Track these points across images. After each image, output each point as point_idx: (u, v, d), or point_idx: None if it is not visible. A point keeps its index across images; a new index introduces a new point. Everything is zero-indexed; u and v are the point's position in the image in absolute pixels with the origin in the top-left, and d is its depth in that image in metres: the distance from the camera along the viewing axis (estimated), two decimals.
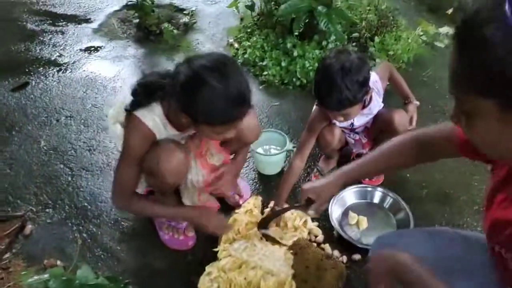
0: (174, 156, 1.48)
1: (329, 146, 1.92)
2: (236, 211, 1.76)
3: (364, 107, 1.80)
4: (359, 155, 2.09)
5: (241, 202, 1.86)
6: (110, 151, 2.21)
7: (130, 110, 1.44)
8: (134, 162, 1.49)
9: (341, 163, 2.05)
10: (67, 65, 3.01)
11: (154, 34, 3.32)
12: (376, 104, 1.84)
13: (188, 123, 1.38)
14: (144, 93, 1.43)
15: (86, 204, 1.95)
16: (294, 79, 2.72)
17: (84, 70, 2.95)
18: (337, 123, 1.85)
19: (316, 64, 2.68)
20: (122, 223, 1.86)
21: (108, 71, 2.94)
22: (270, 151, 2.13)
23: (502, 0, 0.68)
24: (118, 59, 3.08)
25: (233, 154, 1.80)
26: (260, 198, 1.85)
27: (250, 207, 1.78)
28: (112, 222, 1.86)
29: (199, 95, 1.26)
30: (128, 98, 1.46)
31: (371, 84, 1.69)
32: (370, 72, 1.69)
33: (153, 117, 1.45)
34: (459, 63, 0.75)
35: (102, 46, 3.25)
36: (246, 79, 1.35)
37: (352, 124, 1.87)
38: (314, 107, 1.87)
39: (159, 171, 1.47)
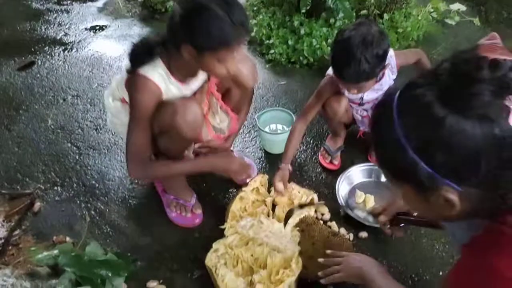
0: (190, 108, 1.47)
1: (336, 116, 1.89)
2: (243, 189, 1.76)
3: (375, 81, 1.77)
4: (366, 134, 2.08)
5: (248, 181, 1.86)
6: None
7: (132, 69, 1.44)
8: (145, 124, 1.48)
9: (348, 141, 2.07)
10: (73, 44, 3.00)
11: (159, 13, 3.29)
12: (388, 80, 1.81)
13: (191, 62, 1.39)
14: (144, 51, 1.44)
15: (94, 182, 1.96)
16: (301, 58, 2.69)
17: (89, 49, 2.94)
18: (346, 94, 1.82)
19: (324, 43, 2.64)
20: (130, 201, 1.87)
21: (114, 50, 2.93)
22: (277, 130, 2.11)
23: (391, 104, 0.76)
24: (123, 38, 3.06)
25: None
26: (266, 176, 1.85)
27: (257, 185, 1.78)
28: (120, 200, 1.87)
29: (201, 18, 1.30)
30: (126, 63, 1.47)
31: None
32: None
33: (157, 71, 1.45)
34: (375, 152, 0.85)
35: (107, 25, 3.22)
36: (242, 6, 1.38)
37: (361, 98, 1.85)
38: (326, 75, 1.85)
39: (176, 125, 1.46)
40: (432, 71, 0.75)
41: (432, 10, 3.00)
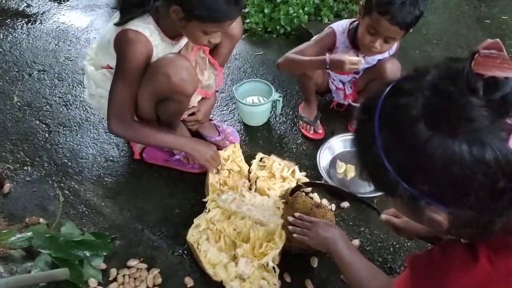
0: (180, 63, 1.44)
1: (314, 73, 1.88)
2: None
3: None
4: (339, 105, 2.08)
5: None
6: (87, 106, 2.11)
7: (122, 23, 1.39)
8: (132, 80, 1.44)
9: (327, 112, 2.04)
10: (36, 16, 2.83)
11: None
12: (380, 57, 1.80)
13: (178, 21, 1.35)
14: (136, 3, 1.39)
15: (66, 160, 1.87)
16: (278, 27, 2.61)
17: (54, 21, 2.78)
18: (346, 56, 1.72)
19: (301, 11, 2.58)
20: (106, 178, 1.80)
21: (80, 21, 2.78)
22: (256, 102, 2.06)
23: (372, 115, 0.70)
24: (90, 8, 2.91)
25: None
26: (238, 145, 1.82)
27: (229, 153, 1.74)
28: (95, 178, 1.80)
29: None
30: (115, 19, 1.42)
31: None
32: None
33: (147, 26, 1.41)
34: (356, 158, 0.79)
35: None
36: None
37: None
38: (328, 28, 1.82)
39: (175, 86, 1.43)
40: (419, 77, 0.68)
41: None
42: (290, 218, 1.46)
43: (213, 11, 1.30)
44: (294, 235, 1.41)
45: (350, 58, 1.65)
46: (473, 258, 0.71)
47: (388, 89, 0.71)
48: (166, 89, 1.45)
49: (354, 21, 1.78)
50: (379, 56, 1.80)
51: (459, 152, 0.61)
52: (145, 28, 1.41)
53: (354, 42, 1.77)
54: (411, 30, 1.65)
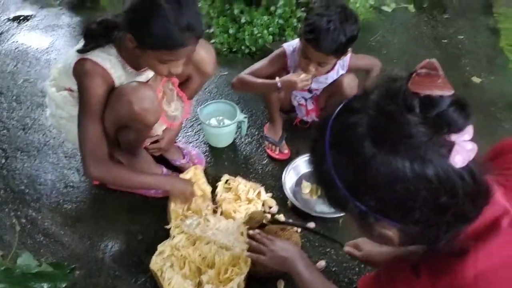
0: (144, 92, 1.40)
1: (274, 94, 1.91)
2: None
3: (326, 72, 1.81)
4: (303, 122, 2.11)
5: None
6: (47, 130, 2.05)
7: (84, 52, 1.36)
8: (98, 115, 1.39)
9: (290, 131, 2.06)
10: None
11: (90, 0, 3.09)
12: (335, 75, 1.85)
13: (133, 49, 1.32)
14: (100, 32, 1.37)
15: (23, 187, 1.80)
16: (242, 47, 2.63)
17: (13, 42, 2.71)
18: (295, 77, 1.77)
19: (265, 31, 2.61)
20: (65, 205, 1.74)
21: (41, 42, 2.71)
22: (221, 123, 2.05)
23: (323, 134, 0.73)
24: (51, 29, 2.85)
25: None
26: (200, 167, 1.80)
27: (190, 176, 1.72)
28: (54, 205, 1.73)
29: (146, 12, 1.23)
30: (79, 44, 1.39)
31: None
32: None
33: (108, 58, 1.37)
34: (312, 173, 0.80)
35: (32, 14, 2.99)
36: (198, 9, 1.32)
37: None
38: (281, 47, 1.85)
39: (136, 114, 1.39)
40: (365, 96, 0.70)
41: None
42: (251, 232, 1.45)
43: (164, 39, 1.26)
44: (247, 254, 1.39)
45: (299, 77, 1.69)
46: (416, 275, 0.72)
47: (338, 108, 0.73)
48: (127, 117, 1.41)
49: None
50: (334, 75, 1.84)
51: (402, 168, 0.63)
52: (106, 59, 1.38)
53: None
54: (349, 51, 1.72)
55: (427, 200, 0.64)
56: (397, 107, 0.64)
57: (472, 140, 0.65)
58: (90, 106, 1.38)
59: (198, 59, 1.60)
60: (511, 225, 0.69)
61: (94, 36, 1.38)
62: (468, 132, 0.64)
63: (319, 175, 0.76)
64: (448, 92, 0.63)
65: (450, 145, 0.63)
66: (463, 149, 0.63)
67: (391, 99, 0.65)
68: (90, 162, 1.43)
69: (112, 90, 1.42)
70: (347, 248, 1.40)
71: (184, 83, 1.68)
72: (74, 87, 1.43)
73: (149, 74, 1.53)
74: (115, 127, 1.49)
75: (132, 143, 1.60)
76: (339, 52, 1.64)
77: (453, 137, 0.63)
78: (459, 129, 0.63)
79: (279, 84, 1.73)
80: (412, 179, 0.63)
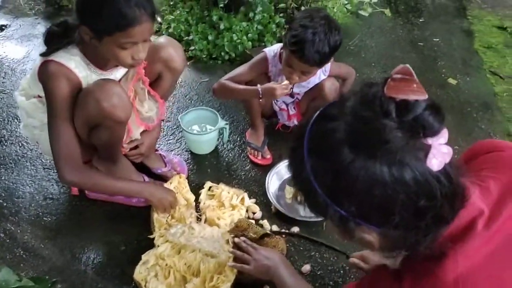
0: (111, 88, 1.37)
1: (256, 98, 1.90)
2: None
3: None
4: (285, 127, 2.13)
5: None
6: (24, 141, 2.00)
7: (46, 54, 1.34)
8: (67, 116, 1.37)
9: (272, 136, 2.06)
10: None
11: (66, 9, 3.05)
12: (317, 79, 1.87)
13: (90, 42, 1.30)
14: (60, 34, 1.35)
15: (1, 201, 1.75)
16: (222, 53, 2.63)
17: None
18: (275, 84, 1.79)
19: (244, 37, 2.61)
20: (44, 218, 1.70)
21: (16, 52, 2.66)
22: (203, 129, 2.04)
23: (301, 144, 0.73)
24: (26, 39, 2.79)
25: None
26: (184, 176, 1.78)
27: (175, 185, 1.70)
28: (33, 218, 1.69)
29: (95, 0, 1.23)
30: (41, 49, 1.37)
31: None
32: None
33: (72, 58, 1.35)
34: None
35: (7, 24, 2.93)
36: None
37: (291, 88, 1.88)
38: (262, 52, 1.86)
39: (105, 111, 1.36)
40: (342, 103, 0.71)
41: (346, 2, 3.07)
42: (236, 240, 1.45)
43: (116, 19, 1.24)
44: (231, 264, 1.39)
45: (279, 85, 1.72)
46: (397, 281, 0.73)
47: (315, 115, 0.74)
48: (96, 115, 1.38)
49: None
50: (316, 80, 1.86)
51: (380, 173, 0.64)
52: (69, 59, 1.36)
53: None
54: (331, 60, 1.77)
55: (406, 203, 0.64)
56: (373, 113, 0.65)
57: (448, 143, 0.66)
58: (58, 107, 1.36)
59: (166, 57, 1.60)
60: (486, 226, 0.71)
61: (55, 39, 1.37)
62: (443, 135, 0.65)
63: (299, 182, 0.76)
64: (422, 96, 0.64)
65: (427, 149, 0.64)
66: (439, 153, 0.64)
67: (367, 104, 0.66)
68: (63, 166, 1.40)
69: (79, 92, 1.40)
70: (353, 260, 1.41)
71: (155, 83, 1.66)
72: (42, 93, 1.41)
73: (116, 74, 1.51)
74: (86, 129, 1.45)
75: (108, 146, 1.56)
76: (323, 63, 1.68)
77: (429, 141, 0.64)
78: (434, 132, 0.64)
79: (259, 90, 1.74)
80: (390, 183, 0.64)
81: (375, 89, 0.66)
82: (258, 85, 1.76)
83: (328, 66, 1.87)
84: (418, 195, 0.64)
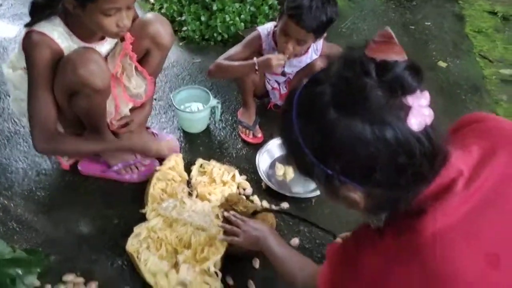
0: (89, 55, 1.37)
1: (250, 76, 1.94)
2: (157, 168, 1.70)
3: (296, 55, 1.86)
4: (276, 107, 2.15)
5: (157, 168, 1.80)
6: (16, 118, 2.01)
7: (29, 25, 1.35)
8: (46, 84, 1.37)
9: (263, 115, 2.09)
10: None
11: None
12: (308, 59, 1.90)
13: (74, 11, 1.30)
14: (44, 4, 1.34)
15: None
16: (215, 34, 2.63)
17: None
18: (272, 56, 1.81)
19: (237, 18, 2.62)
20: (38, 193, 1.72)
21: (8, 31, 2.64)
22: (195, 108, 2.06)
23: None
24: (18, 17, 2.76)
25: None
26: (181, 155, 1.80)
27: (172, 164, 1.72)
28: (26, 193, 1.71)
29: None
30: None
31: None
32: None
33: (54, 28, 1.35)
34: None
35: None
36: None
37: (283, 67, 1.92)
38: (256, 30, 1.89)
39: (81, 78, 1.35)
40: (329, 67, 0.74)
41: None
42: (226, 214, 1.49)
43: None
44: (220, 237, 1.43)
45: (275, 56, 1.75)
46: (379, 237, 0.77)
47: (306, 80, 0.78)
48: (73, 82, 1.38)
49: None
50: (307, 59, 1.89)
51: (363, 131, 0.67)
52: (52, 30, 1.37)
53: None
54: (324, 35, 1.79)
55: (387, 161, 0.68)
56: (354, 73, 0.68)
57: (430, 107, 0.68)
58: (38, 76, 1.36)
59: (153, 32, 1.61)
60: (466, 187, 0.74)
61: (39, 10, 1.37)
62: (425, 97, 0.68)
63: (288, 144, 0.79)
64: (402, 57, 0.67)
65: (407, 109, 0.67)
66: (419, 113, 0.67)
67: (350, 66, 0.69)
68: (38, 138, 1.41)
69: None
70: (339, 240, 1.45)
71: (143, 59, 1.67)
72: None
73: (101, 48, 1.51)
74: (66, 97, 1.45)
75: (90, 117, 1.55)
76: (319, 31, 1.70)
77: (410, 101, 0.67)
78: (413, 91, 0.67)
79: (256, 63, 1.77)
80: (372, 141, 0.67)
81: (357, 52, 0.69)
82: (255, 58, 1.78)
83: (319, 46, 1.89)
84: (399, 153, 0.67)
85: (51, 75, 1.38)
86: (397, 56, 0.67)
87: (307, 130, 0.74)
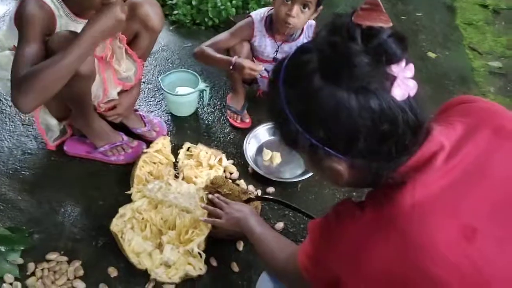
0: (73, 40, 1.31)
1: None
2: (145, 150, 1.70)
3: (288, 41, 1.87)
4: (265, 93, 2.14)
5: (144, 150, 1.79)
6: (3, 98, 1.99)
7: None
8: (36, 37, 1.32)
9: (252, 101, 2.09)
10: None
11: None
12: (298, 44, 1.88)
13: None
14: None
15: None
16: (206, 19, 2.61)
17: None
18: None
19: (228, 3, 2.60)
20: (23, 172, 1.71)
21: None
22: (183, 92, 2.05)
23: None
24: None
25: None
26: (168, 138, 1.80)
27: (159, 147, 1.72)
28: (11, 172, 1.71)
29: None
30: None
31: (306, 27, 1.84)
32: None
33: None
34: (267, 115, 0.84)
35: None
36: None
37: (275, 57, 1.93)
38: (247, 17, 1.89)
39: None
40: (316, 36, 0.75)
41: None
42: (202, 205, 1.49)
43: None
44: (203, 219, 1.45)
45: (251, 65, 1.75)
46: (360, 209, 0.77)
47: (295, 50, 0.78)
48: None
49: (271, 9, 1.84)
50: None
51: (347, 99, 0.67)
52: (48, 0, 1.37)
53: (271, 30, 1.85)
54: (321, 7, 1.75)
55: (370, 129, 0.68)
56: (340, 38, 0.68)
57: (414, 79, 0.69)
58: (28, 31, 1.32)
59: (143, 14, 1.60)
60: (446, 161, 0.75)
61: None
62: (410, 69, 0.69)
63: (274, 113, 0.79)
64: (387, 24, 0.68)
65: (392, 79, 0.67)
66: (403, 84, 0.68)
67: (336, 31, 0.69)
68: (16, 88, 1.29)
69: (52, 28, 1.40)
70: None
71: (133, 42, 1.66)
72: (17, 41, 1.36)
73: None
74: None
75: (75, 101, 1.54)
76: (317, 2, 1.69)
77: (394, 70, 0.67)
78: (397, 60, 0.67)
79: (233, 61, 1.76)
80: (356, 109, 0.67)
81: (344, 19, 0.70)
82: (235, 57, 1.78)
83: (311, 32, 1.89)
84: (382, 121, 0.68)
85: (42, 33, 1.35)
86: (383, 22, 0.68)
87: (292, 97, 0.74)
